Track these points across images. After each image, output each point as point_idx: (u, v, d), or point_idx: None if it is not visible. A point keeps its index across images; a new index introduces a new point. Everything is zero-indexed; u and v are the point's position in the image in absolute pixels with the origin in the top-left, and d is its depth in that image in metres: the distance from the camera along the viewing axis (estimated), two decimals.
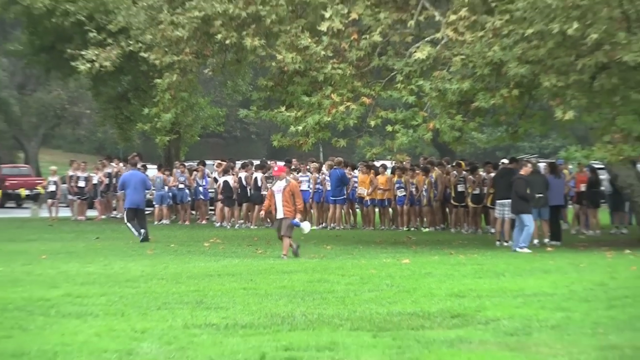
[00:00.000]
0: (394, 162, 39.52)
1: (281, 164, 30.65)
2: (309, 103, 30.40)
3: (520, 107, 30.58)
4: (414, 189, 39.03)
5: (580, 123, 31.88)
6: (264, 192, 40.59)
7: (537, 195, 29.34)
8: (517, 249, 27.67)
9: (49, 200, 48.34)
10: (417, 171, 39.55)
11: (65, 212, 49.47)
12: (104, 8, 44.59)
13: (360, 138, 34.80)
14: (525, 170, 28.33)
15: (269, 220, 36.38)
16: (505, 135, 33.34)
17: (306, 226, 28.41)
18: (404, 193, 39.15)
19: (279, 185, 27.23)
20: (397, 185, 39.33)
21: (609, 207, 36.18)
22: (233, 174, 42.99)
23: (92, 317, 15.56)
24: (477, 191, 36.39)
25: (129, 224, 33.02)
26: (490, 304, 16.23)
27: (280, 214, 26.87)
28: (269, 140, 37.48)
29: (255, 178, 42.24)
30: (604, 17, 26.00)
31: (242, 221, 42.15)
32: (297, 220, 27.11)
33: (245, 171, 42.89)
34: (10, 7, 49.78)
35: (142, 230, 32.50)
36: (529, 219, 28.28)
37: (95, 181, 48.33)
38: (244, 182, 42.29)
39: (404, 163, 39.07)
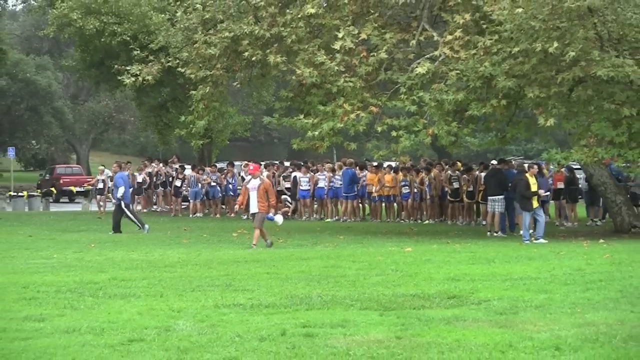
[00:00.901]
0: (398, 162, 39.43)
1: (255, 164, 29.94)
2: (324, 111, 30.18)
3: (507, 115, 30.41)
4: (416, 187, 38.80)
5: (560, 129, 31.53)
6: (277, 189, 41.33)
7: (544, 193, 29.54)
8: (535, 241, 27.11)
9: (98, 196, 48.01)
10: (420, 171, 39.29)
11: (111, 207, 49.31)
12: (146, 29, 44.83)
13: (368, 142, 35.06)
14: (531, 172, 28.10)
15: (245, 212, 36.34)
16: (495, 140, 33.39)
17: (279, 219, 27.85)
18: (408, 190, 38.67)
19: (253, 183, 26.83)
20: (402, 183, 38.71)
21: (585, 202, 35.53)
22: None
23: (134, 298, 15.59)
24: (471, 188, 36.03)
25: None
26: (482, 287, 16.08)
27: (254, 209, 26.47)
28: (289, 143, 37.54)
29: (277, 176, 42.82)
30: (580, 37, 25.86)
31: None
32: (271, 214, 26.85)
33: (267, 170, 42.84)
34: (65, 29, 49.77)
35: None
36: (539, 212, 28.19)
37: (139, 179, 48.47)
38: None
39: (407, 164, 39.00)
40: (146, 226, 33.21)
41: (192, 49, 34.44)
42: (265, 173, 41.94)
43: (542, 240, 27.25)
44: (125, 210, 33.51)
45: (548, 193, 31.42)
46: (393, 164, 40.69)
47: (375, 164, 41.10)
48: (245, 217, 35.87)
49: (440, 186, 38.00)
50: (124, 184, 33.66)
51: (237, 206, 32.59)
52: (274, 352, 10.77)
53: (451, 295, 15.14)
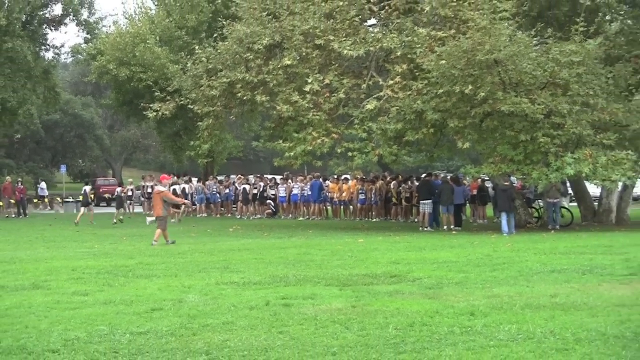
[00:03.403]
0: (352, 175, 39.42)
1: (166, 175, 28.83)
2: (297, 138, 30.14)
3: (434, 140, 30.36)
4: (368, 193, 38.66)
5: (473, 150, 31.56)
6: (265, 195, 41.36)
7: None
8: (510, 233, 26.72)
9: (128, 201, 48.26)
10: (369, 181, 39.25)
11: (138, 209, 49.10)
12: (164, 76, 44.80)
13: (331, 160, 35.22)
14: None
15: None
16: (425, 158, 33.21)
17: (148, 220, 27.69)
18: (363, 196, 38.58)
19: (158, 189, 25.43)
20: (359, 191, 38.63)
21: (493, 204, 35.68)
22: (248, 184, 43.29)
23: (155, 277, 15.54)
24: (408, 194, 36.21)
25: None
26: (416, 268, 15.99)
27: (157, 212, 24.97)
28: (272, 161, 37.46)
29: (262, 185, 42.81)
30: (488, 82, 26.14)
31: (256, 215, 42.29)
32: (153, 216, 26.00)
33: (261, 181, 43.28)
34: (103, 76, 50.00)
35: None
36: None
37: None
38: (254, 189, 42.73)
39: (359, 177, 39.00)
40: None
41: (198, 91, 34.50)
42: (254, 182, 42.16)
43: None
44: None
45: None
46: (349, 176, 40.71)
47: (340, 177, 41.22)
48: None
49: (385, 193, 37.98)
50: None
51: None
52: (260, 318, 10.72)
53: (392, 275, 15.03)
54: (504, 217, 27.50)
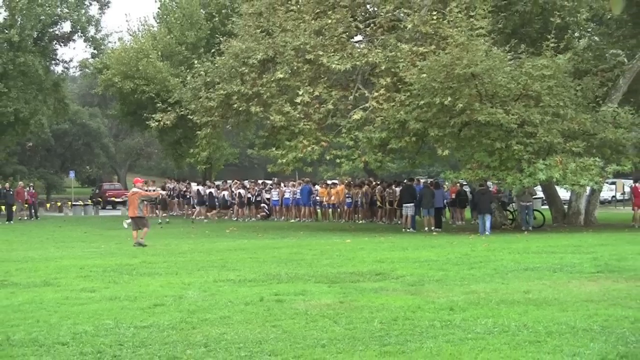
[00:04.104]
0: (339, 180, 39.41)
1: (139, 179, 28.21)
2: (289, 146, 30.15)
3: (416, 148, 30.32)
4: (355, 197, 38.59)
5: (452, 157, 31.55)
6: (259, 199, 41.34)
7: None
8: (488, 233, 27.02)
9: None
10: (355, 186, 39.28)
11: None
12: (166, 89, 44.82)
13: (320, 166, 35.19)
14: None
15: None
16: (408, 165, 33.08)
17: (125, 224, 27.52)
18: (350, 200, 38.53)
19: (132, 191, 24.71)
20: (346, 195, 38.62)
21: (471, 207, 35.43)
22: (243, 188, 43.26)
23: (157, 275, 15.48)
24: (392, 198, 36.03)
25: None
26: (399, 267, 15.95)
27: (132, 213, 24.16)
28: (266, 167, 37.51)
29: (257, 190, 42.76)
30: (466, 94, 26.30)
31: (251, 217, 42.04)
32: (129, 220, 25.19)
33: (256, 185, 43.23)
34: (109, 88, 49.89)
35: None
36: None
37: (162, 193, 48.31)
38: (249, 194, 42.69)
39: (346, 181, 39.02)
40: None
41: (197, 102, 34.43)
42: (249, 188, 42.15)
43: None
44: None
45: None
46: (337, 181, 40.68)
47: (329, 182, 41.25)
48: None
49: (370, 196, 37.95)
50: None
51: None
52: (254, 313, 10.70)
53: (377, 273, 15.01)
54: (481, 219, 27.61)
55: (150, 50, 47.83)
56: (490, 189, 32.12)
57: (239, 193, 42.26)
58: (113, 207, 59.79)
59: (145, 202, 27.10)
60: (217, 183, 48.24)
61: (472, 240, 23.84)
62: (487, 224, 27.49)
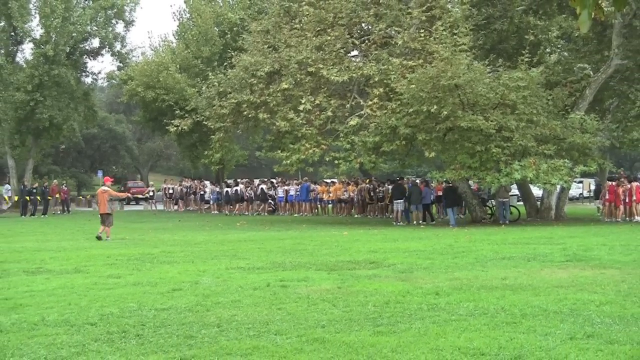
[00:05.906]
0: (338, 179, 39.43)
1: (108, 177, 27.25)
2: (293, 148, 30.14)
3: (406, 151, 30.29)
4: (352, 194, 38.64)
5: (438, 159, 31.54)
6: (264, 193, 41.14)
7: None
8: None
9: (150, 200, 47.94)
10: (351, 184, 39.18)
11: (160, 207, 49.36)
12: (183, 98, 44.95)
13: (320, 167, 35.17)
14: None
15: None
16: (398, 165, 33.10)
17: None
18: (346, 196, 38.48)
19: (102, 189, 23.91)
20: (344, 192, 38.49)
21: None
22: (252, 187, 43.30)
23: (176, 263, 15.47)
24: (383, 195, 35.96)
25: None
26: (390, 256, 15.93)
27: (102, 210, 23.33)
28: (272, 168, 37.49)
29: (262, 188, 42.76)
30: (450, 102, 26.23)
31: (257, 212, 42.13)
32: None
33: (264, 184, 43.18)
34: (133, 97, 50.02)
35: None
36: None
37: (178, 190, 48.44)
38: (257, 190, 42.74)
39: (344, 180, 38.97)
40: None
41: (211, 110, 34.49)
42: (263, 185, 42.16)
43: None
44: None
45: None
46: (335, 180, 40.64)
47: (328, 180, 41.29)
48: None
49: (365, 194, 37.88)
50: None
51: None
52: (262, 297, 10.68)
53: (371, 262, 15.02)
54: (451, 212, 28.17)
55: (169, 64, 47.97)
56: (472, 187, 32.14)
57: (261, 189, 42.35)
58: (136, 203, 59.81)
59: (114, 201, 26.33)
60: (229, 181, 48.33)
61: (455, 233, 23.79)
62: (451, 216, 27.93)
